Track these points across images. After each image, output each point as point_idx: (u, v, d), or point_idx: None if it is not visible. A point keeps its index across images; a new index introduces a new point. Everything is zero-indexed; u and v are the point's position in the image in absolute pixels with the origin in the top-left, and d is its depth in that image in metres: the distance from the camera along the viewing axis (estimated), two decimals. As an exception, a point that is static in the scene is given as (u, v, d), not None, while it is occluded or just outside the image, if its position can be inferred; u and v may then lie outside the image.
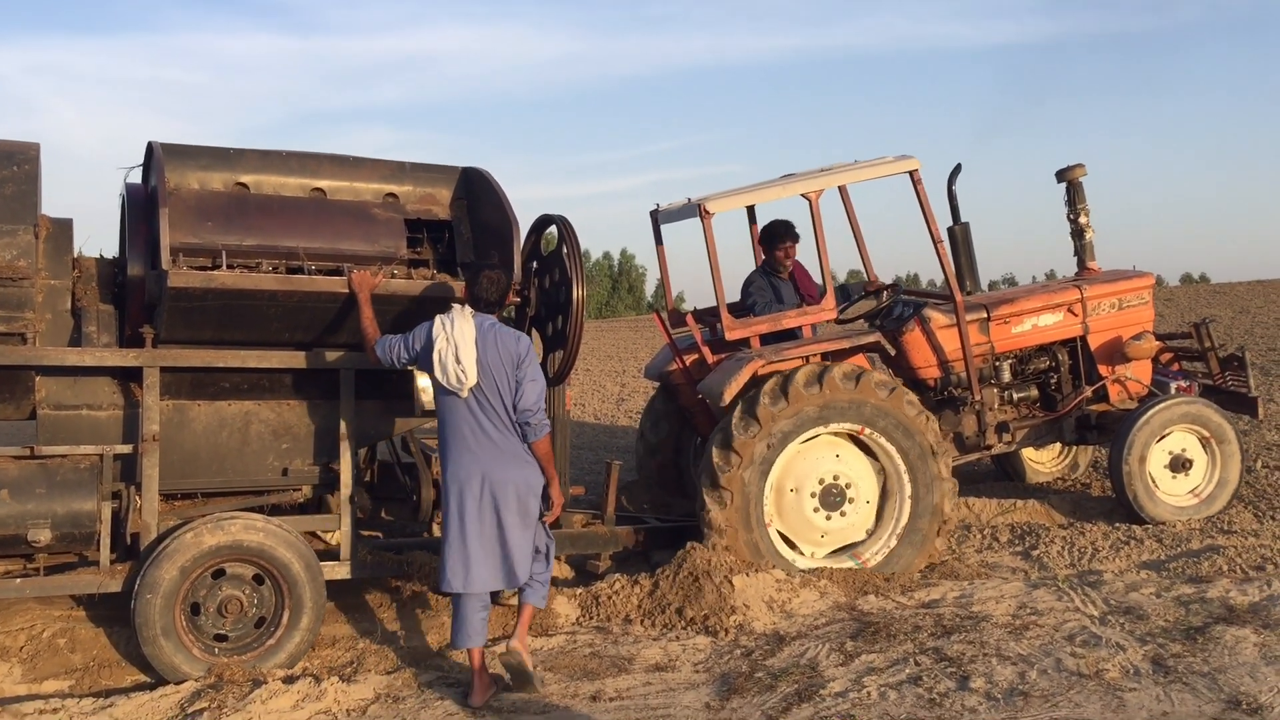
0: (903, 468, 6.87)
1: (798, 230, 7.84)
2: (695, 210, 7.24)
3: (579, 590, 6.40)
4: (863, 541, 6.97)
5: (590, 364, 24.73)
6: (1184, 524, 7.39)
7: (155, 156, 5.68)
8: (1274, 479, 8.47)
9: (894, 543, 6.88)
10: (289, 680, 5.24)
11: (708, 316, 7.59)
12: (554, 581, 6.76)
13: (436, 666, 5.55)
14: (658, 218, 7.93)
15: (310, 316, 5.75)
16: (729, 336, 7.17)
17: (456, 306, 5.21)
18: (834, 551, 6.99)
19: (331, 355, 5.92)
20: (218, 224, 5.69)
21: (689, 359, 7.51)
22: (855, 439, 6.94)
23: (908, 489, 6.89)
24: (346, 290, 5.59)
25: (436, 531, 6.79)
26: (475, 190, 6.32)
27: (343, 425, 5.97)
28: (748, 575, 6.30)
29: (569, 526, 6.90)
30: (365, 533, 6.77)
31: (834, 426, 6.80)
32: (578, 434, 13.23)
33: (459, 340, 5.06)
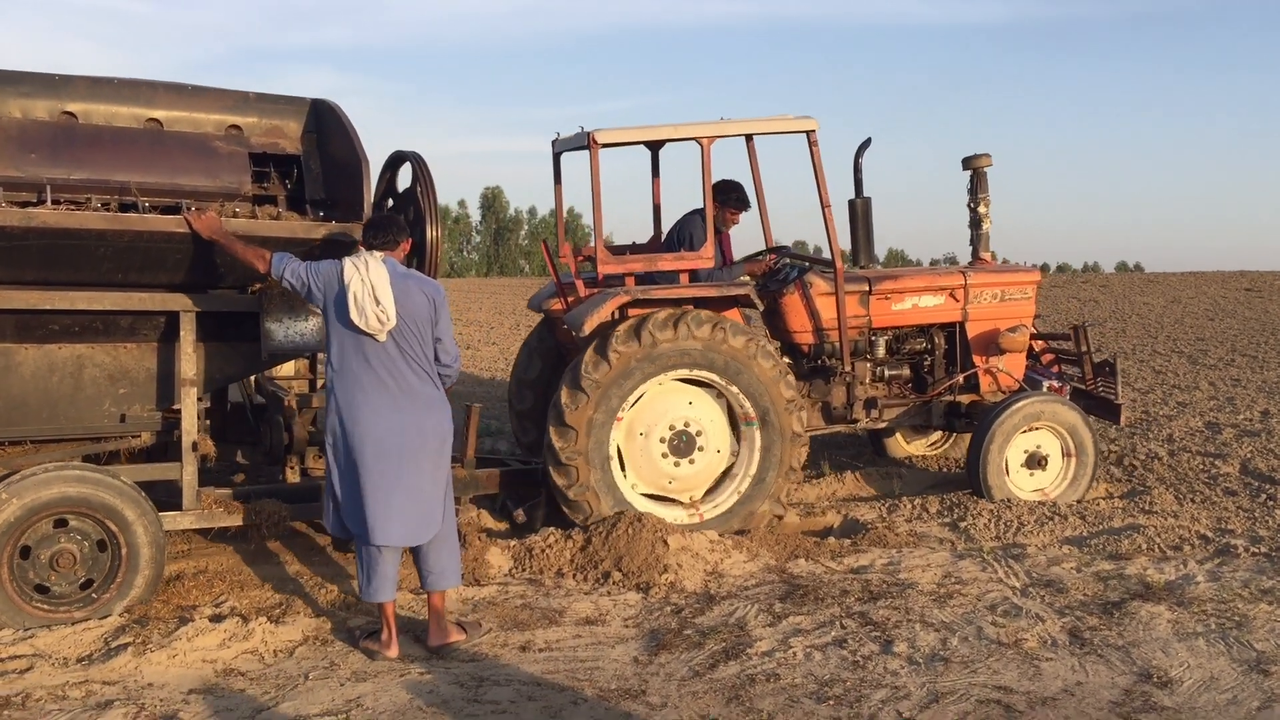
0: (755, 422, 6.91)
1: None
2: (585, 140, 7.12)
3: (512, 542, 6.42)
4: (709, 491, 7.03)
5: (532, 320, 24.64)
6: (1111, 504, 7.57)
7: None
8: (1195, 463, 8.70)
9: (735, 498, 6.96)
10: (216, 619, 5.21)
11: (627, 251, 7.51)
12: (488, 533, 6.79)
13: (366, 611, 5.53)
14: (556, 148, 7.82)
15: (144, 257, 5.41)
16: (602, 271, 7.12)
17: (364, 250, 5.03)
18: (704, 496, 7.02)
19: (169, 297, 5.58)
20: (42, 156, 5.38)
21: (571, 296, 7.36)
22: (713, 390, 6.97)
23: (758, 441, 6.95)
24: (183, 230, 5.27)
25: (291, 477, 6.65)
26: (325, 124, 6.07)
27: (183, 369, 5.66)
28: (682, 535, 6.35)
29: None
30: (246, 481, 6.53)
31: (685, 373, 6.82)
32: (491, 389, 13.23)
33: (375, 281, 4.87)
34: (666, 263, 7.21)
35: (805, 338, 7.86)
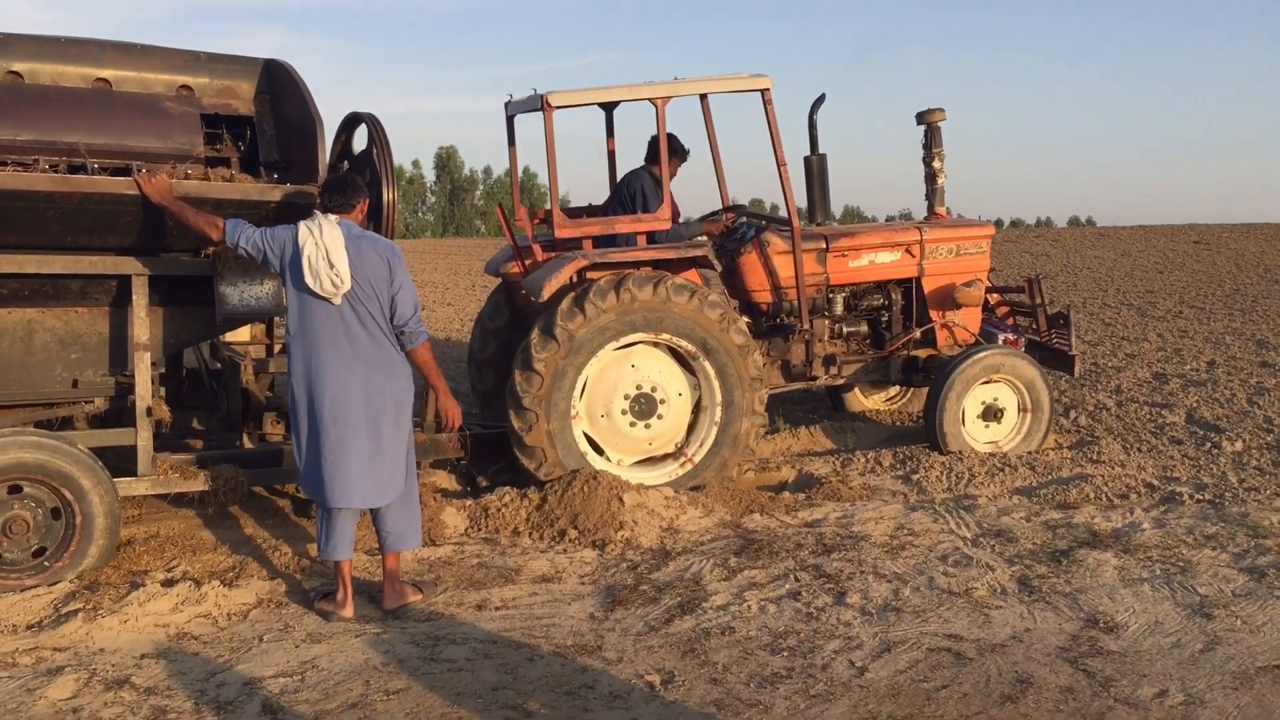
0: (700, 355, 6.87)
1: None
2: (538, 102, 7.05)
3: (468, 502, 6.41)
4: (689, 435, 7.04)
5: (489, 281, 24.50)
6: (1059, 454, 7.68)
7: None
8: (1142, 414, 8.84)
9: (715, 429, 6.94)
10: (168, 584, 5.17)
11: (584, 214, 7.46)
12: (443, 493, 6.77)
13: (320, 573, 5.51)
14: (509, 109, 7.73)
15: (93, 219, 5.31)
16: (559, 234, 7.04)
17: (319, 214, 4.96)
18: (661, 457, 7.03)
19: (121, 260, 5.50)
20: None
21: (528, 260, 7.31)
22: (659, 348, 6.96)
23: (711, 371, 6.91)
24: (133, 192, 5.18)
25: (248, 442, 6.61)
26: (278, 85, 5.96)
27: (135, 333, 5.58)
28: (637, 492, 6.37)
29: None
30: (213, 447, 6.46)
31: (613, 344, 6.76)
32: (447, 349, 13.16)
33: (329, 244, 4.81)
34: (624, 225, 7.18)
35: (763, 296, 7.86)
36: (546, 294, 6.66)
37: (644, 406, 6.91)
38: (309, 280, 4.86)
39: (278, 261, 5.00)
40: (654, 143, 7.67)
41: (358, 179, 5.20)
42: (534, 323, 6.81)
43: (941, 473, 7.23)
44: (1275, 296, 17.06)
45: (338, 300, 4.89)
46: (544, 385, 6.59)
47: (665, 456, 7.05)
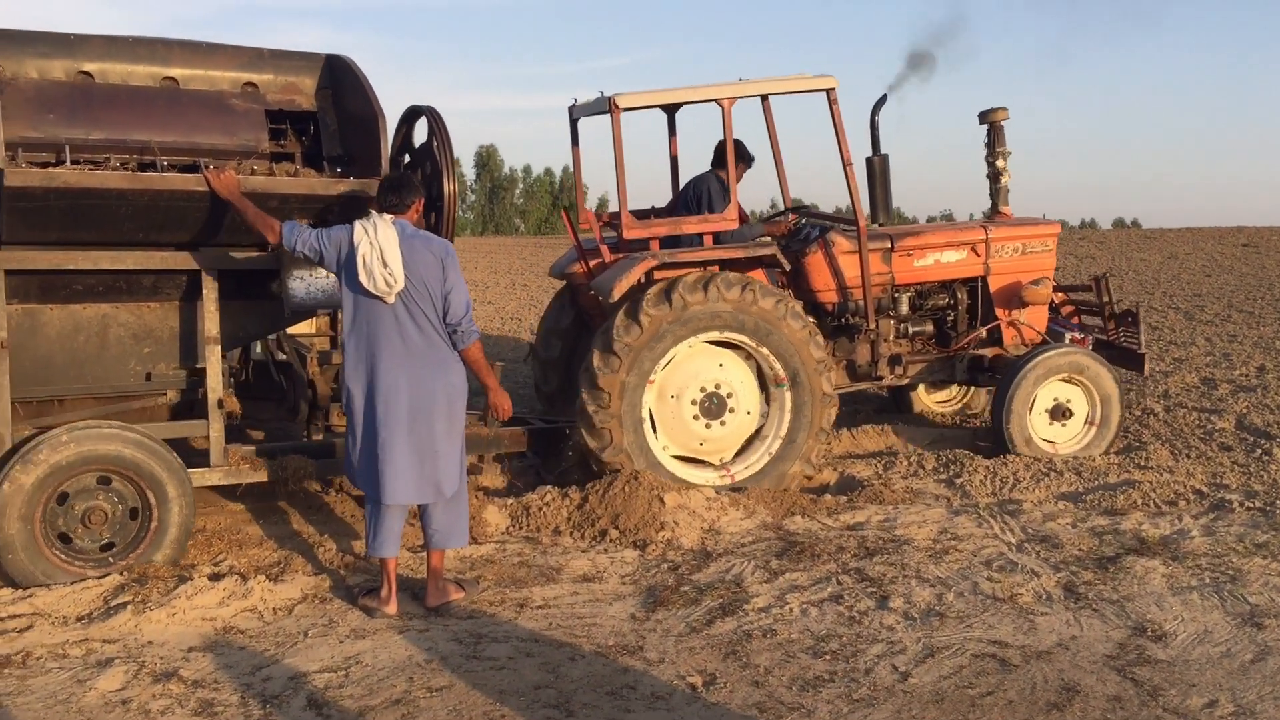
0: (785, 383, 6.93)
1: None
2: (606, 105, 7.13)
3: (509, 500, 6.43)
4: (739, 453, 7.06)
5: (528, 280, 24.61)
6: (1106, 459, 7.58)
7: None
8: (1191, 419, 8.72)
9: (766, 459, 6.99)
10: (215, 577, 5.22)
11: (649, 215, 7.54)
12: (485, 491, 6.80)
13: (364, 569, 5.56)
14: (574, 113, 7.83)
15: (165, 215, 5.42)
16: (626, 235, 7.10)
17: (375, 213, 5.01)
18: (734, 457, 7.06)
19: (192, 255, 5.61)
20: (60, 116, 5.37)
21: (593, 261, 7.39)
22: (742, 352, 7.00)
23: (788, 403, 6.97)
24: (203, 189, 5.28)
25: (314, 433, 6.72)
26: (340, 80, 6.03)
27: (206, 327, 5.70)
28: (678, 493, 6.37)
29: None
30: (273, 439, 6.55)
31: (716, 335, 6.84)
32: (510, 347, 13.21)
33: (384, 244, 4.87)
34: (691, 225, 7.23)
35: (829, 296, 7.87)
36: (617, 294, 6.75)
37: (713, 407, 6.94)
38: (363, 279, 4.91)
39: (334, 261, 5.06)
40: (720, 147, 7.73)
41: (414, 178, 5.24)
42: (608, 317, 6.90)
43: (986, 477, 7.16)
44: (1327, 301, 16.76)
45: (391, 299, 4.94)
46: (621, 366, 6.67)
47: (706, 463, 7.05)
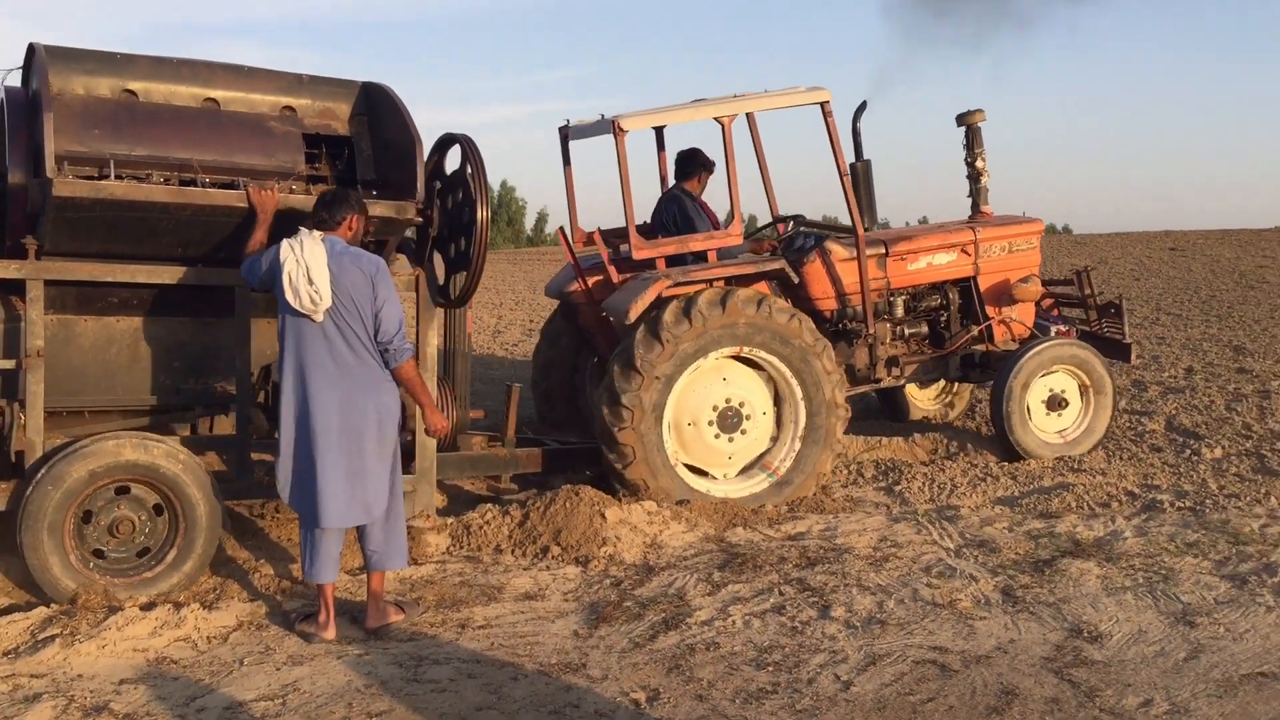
0: (794, 381, 7.03)
1: None
2: (608, 127, 7.23)
3: (449, 520, 6.36)
4: (769, 450, 7.13)
5: (498, 297, 24.44)
6: (1040, 462, 7.70)
7: (38, 58, 5.38)
8: (1122, 421, 8.88)
9: (799, 445, 7.06)
10: (147, 606, 5.10)
11: (611, 237, 7.58)
12: (425, 511, 6.72)
13: (302, 594, 5.46)
14: (567, 134, 7.89)
15: (203, 231, 5.54)
16: (637, 255, 7.17)
17: (304, 230, 4.95)
18: (744, 469, 7.15)
19: (226, 271, 5.68)
20: (105, 132, 5.45)
21: (591, 280, 7.49)
22: (740, 358, 7.08)
23: (799, 392, 7.06)
24: (243, 205, 5.38)
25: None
26: (376, 106, 6.14)
27: (237, 344, 5.81)
28: (619, 507, 6.35)
29: (467, 449, 6.88)
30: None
31: (733, 350, 6.94)
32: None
33: (310, 262, 4.81)
34: (698, 243, 7.30)
35: (828, 304, 7.97)
36: (634, 315, 6.81)
37: (730, 420, 7.04)
38: (289, 297, 4.84)
39: (270, 280, 5.01)
40: (681, 161, 7.92)
41: (352, 195, 5.19)
42: (606, 346, 7.02)
43: (923, 483, 7.24)
44: (1251, 302, 17.20)
45: (318, 317, 4.86)
46: (643, 384, 6.72)
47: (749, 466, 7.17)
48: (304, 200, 5.53)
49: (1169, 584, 5.25)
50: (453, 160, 6.25)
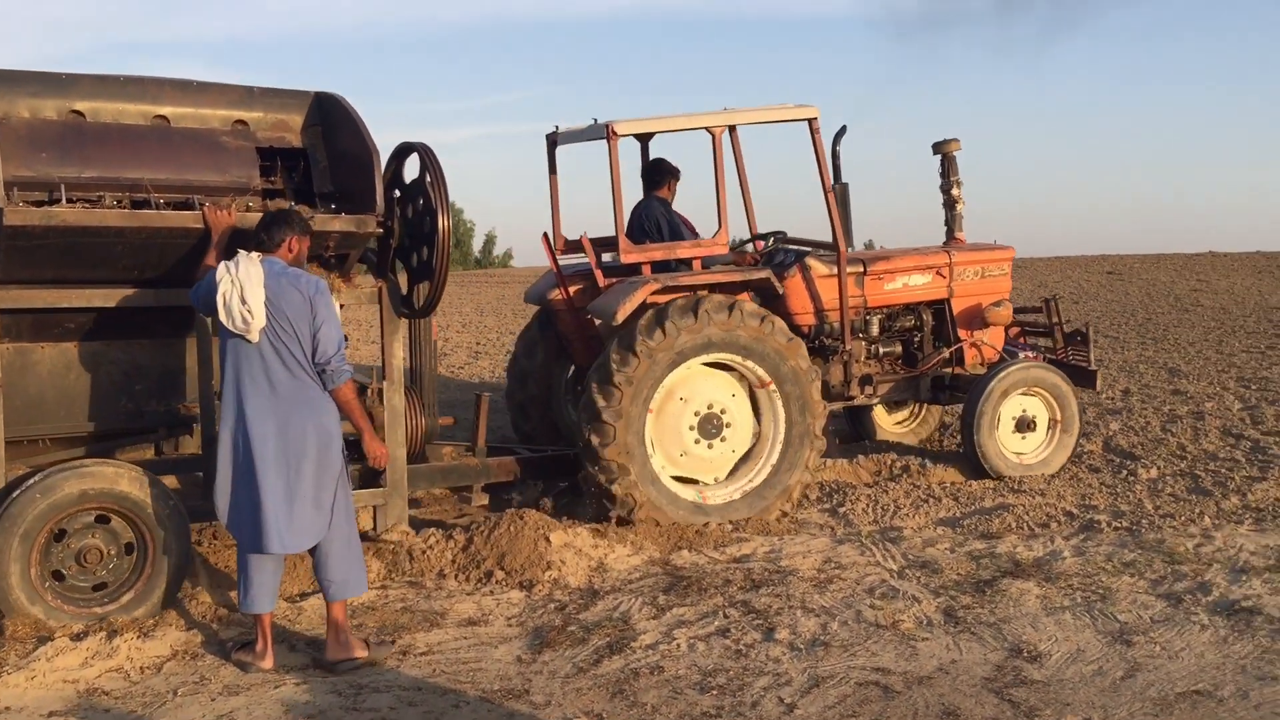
0: (781, 422, 7.09)
1: None
2: (601, 131, 7.28)
3: (391, 545, 6.28)
4: (751, 450, 7.18)
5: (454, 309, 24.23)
6: (981, 484, 7.78)
7: None
8: (1061, 443, 8.99)
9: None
10: (78, 636, 4.97)
11: (594, 245, 7.61)
12: (363, 537, 6.63)
13: (239, 622, 5.36)
14: (555, 140, 7.95)
15: (159, 253, 5.45)
16: (625, 260, 7.21)
17: (242, 252, 4.89)
18: (731, 473, 7.19)
19: (183, 292, 5.51)
20: (53, 155, 5.36)
21: (573, 287, 7.52)
22: (733, 371, 7.16)
23: (780, 414, 7.10)
24: (199, 225, 5.30)
25: None
26: (330, 116, 6.07)
27: (200, 363, 5.72)
28: (564, 531, 6.32)
29: (438, 459, 6.81)
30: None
31: (709, 357, 6.97)
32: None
33: (244, 281, 4.74)
34: (685, 249, 7.38)
35: (806, 319, 8.03)
36: (621, 317, 6.84)
37: (710, 427, 7.08)
38: (223, 317, 4.79)
39: (202, 304, 4.98)
40: (649, 171, 8.02)
41: (294, 215, 5.12)
42: (585, 354, 7.07)
43: (867, 505, 7.28)
44: (1185, 325, 17.56)
45: (253, 337, 4.78)
46: (622, 400, 6.71)
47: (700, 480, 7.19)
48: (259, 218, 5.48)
49: (1106, 603, 5.32)
50: (410, 169, 6.22)
